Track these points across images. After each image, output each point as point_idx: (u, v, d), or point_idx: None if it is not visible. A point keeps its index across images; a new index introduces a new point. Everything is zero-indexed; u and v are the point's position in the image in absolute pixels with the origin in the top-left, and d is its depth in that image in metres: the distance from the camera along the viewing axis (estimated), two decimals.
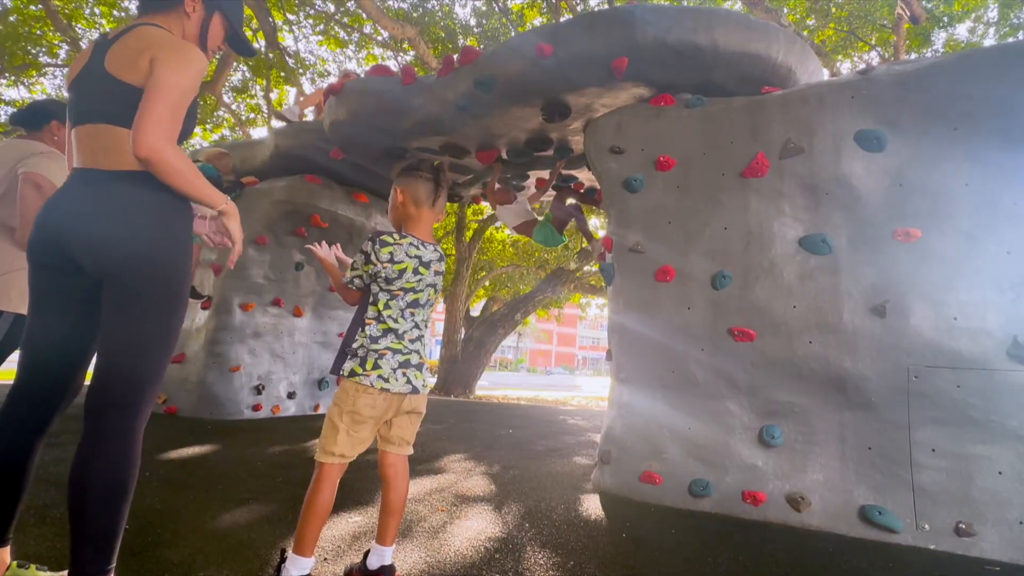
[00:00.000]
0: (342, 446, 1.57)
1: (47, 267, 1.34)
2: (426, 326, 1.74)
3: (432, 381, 1.86)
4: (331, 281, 1.84)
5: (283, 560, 1.54)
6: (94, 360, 1.41)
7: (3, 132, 9.35)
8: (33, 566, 1.44)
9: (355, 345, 1.62)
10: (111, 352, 1.31)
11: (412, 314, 1.65)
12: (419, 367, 1.66)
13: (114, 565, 1.24)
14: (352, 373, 1.57)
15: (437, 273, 1.71)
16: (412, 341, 1.65)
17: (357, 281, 1.68)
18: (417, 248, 1.64)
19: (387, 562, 1.67)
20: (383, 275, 1.60)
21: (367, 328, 1.61)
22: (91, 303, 1.35)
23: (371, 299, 1.63)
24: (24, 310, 2.13)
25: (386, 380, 1.57)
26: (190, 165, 1.29)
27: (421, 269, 1.64)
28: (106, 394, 1.31)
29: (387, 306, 1.61)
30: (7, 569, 1.35)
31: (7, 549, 1.37)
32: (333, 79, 10.46)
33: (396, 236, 1.62)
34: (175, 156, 1.24)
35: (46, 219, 1.32)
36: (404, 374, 1.61)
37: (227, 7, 1.54)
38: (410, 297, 1.64)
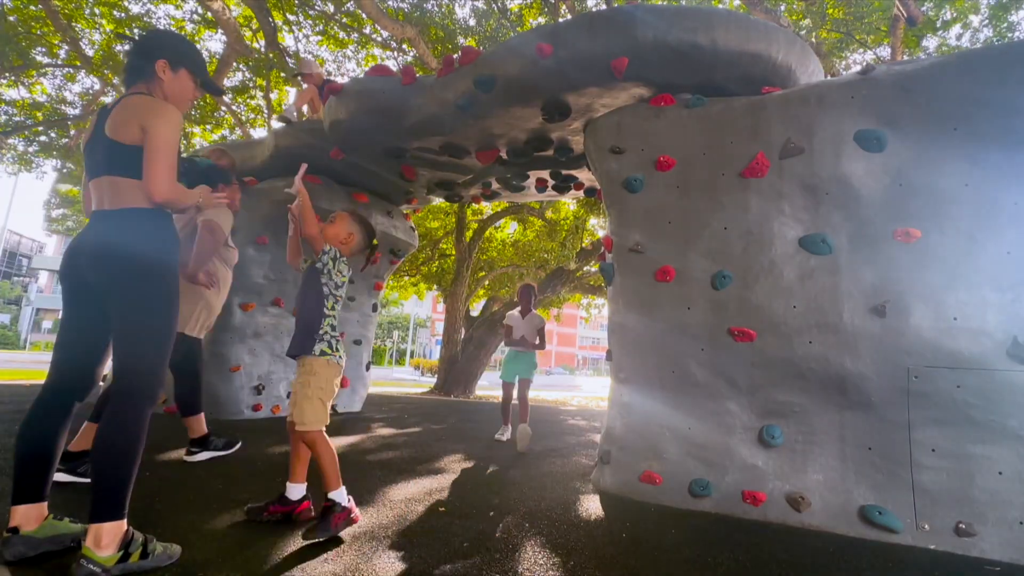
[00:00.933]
0: (326, 414, 2.12)
1: (69, 289, 1.77)
2: None
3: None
4: (305, 226, 2.12)
5: (331, 503, 2.03)
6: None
7: (2, 132, 9.36)
8: (67, 519, 1.76)
9: (321, 332, 2.11)
10: (120, 353, 1.70)
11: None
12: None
13: (124, 517, 1.59)
14: (323, 353, 2.09)
15: None
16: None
17: (337, 277, 2.18)
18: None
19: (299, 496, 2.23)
20: (342, 284, 2.20)
21: (327, 320, 2.13)
22: (102, 317, 1.73)
23: (327, 297, 2.14)
24: (199, 335, 3.30)
25: (342, 358, 2.16)
26: (186, 193, 1.78)
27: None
28: (115, 384, 1.68)
29: (335, 306, 2.18)
30: (44, 519, 1.70)
31: (45, 504, 1.72)
32: (332, 79, 10.46)
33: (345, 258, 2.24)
34: (179, 194, 1.74)
35: (68, 252, 1.77)
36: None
37: (189, 62, 1.88)
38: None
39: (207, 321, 3.32)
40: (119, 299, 1.67)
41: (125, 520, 1.59)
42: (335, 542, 1.97)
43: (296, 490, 2.21)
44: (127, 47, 2.03)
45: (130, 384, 1.66)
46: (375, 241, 2.39)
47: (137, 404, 1.65)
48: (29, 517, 1.65)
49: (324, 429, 2.08)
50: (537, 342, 4.67)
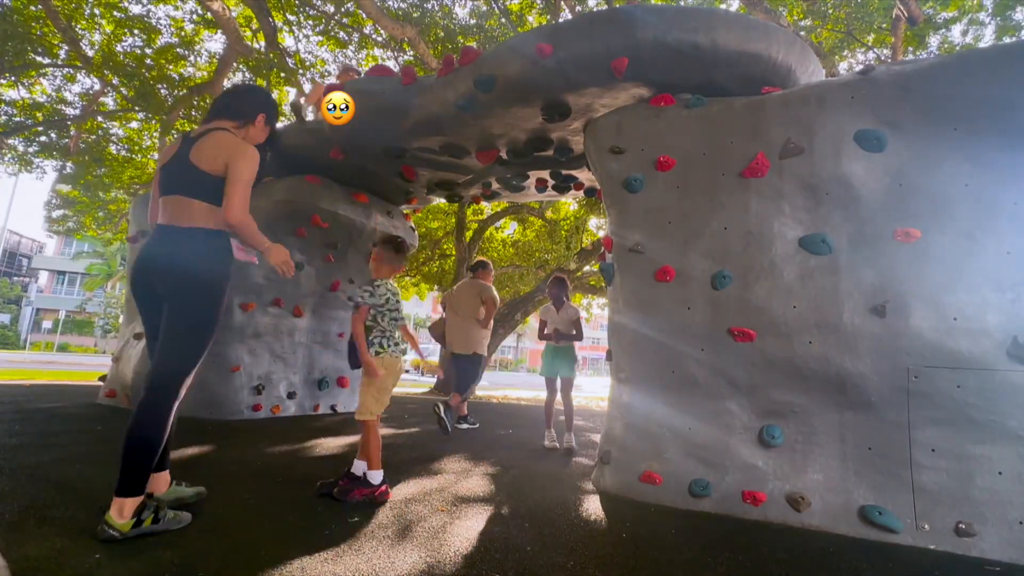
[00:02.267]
0: (379, 407, 2.62)
1: (139, 295, 2.05)
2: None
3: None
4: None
5: (360, 477, 2.54)
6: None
7: (2, 132, 9.35)
8: (184, 484, 2.15)
9: (370, 338, 2.64)
10: (159, 350, 1.94)
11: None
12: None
13: (143, 494, 1.86)
14: (376, 354, 2.62)
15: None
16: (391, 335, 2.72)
17: (371, 298, 2.66)
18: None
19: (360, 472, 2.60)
20: (381, 302, 2.65)
21: (373, 331, 2.67)
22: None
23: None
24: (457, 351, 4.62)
25: (395, 350, 2.70)
26: (254, 226, 2.01)
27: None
28: (149, 378, 1.91)
29: (378, 318, 2.67)
30: (169, 486, 2.11)
31: (168, 472, 2.13)
32: (332, 79, 10.46)
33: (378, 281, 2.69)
34: (250, 223, 1.99)
35: (139, 264, 2.00)
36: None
37: (272, 118, 2.29)
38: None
39: None
40: (172, 305, 1.94)
41: (143, 496, 1.87)
42: (335, 541, 1.97)
43: (365, 471, 2.61)
44: (232, 91, 2.29)
45: (162, 381, 1.91)
46: (399, 242, 2.77)
47: (166, 400, 1.91)
48: (159, 482, 2.10)
49: (377, 419, 2.60)
50: (573, 333, 4.53)
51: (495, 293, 5.24)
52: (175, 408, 1.93)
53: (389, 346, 2.65)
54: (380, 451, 2.58)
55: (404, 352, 2.72)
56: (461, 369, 5.09)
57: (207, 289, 1.98)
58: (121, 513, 1.79)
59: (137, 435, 1.85)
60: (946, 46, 8.35)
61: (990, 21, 8.04)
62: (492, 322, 5.37)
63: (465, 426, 5.24)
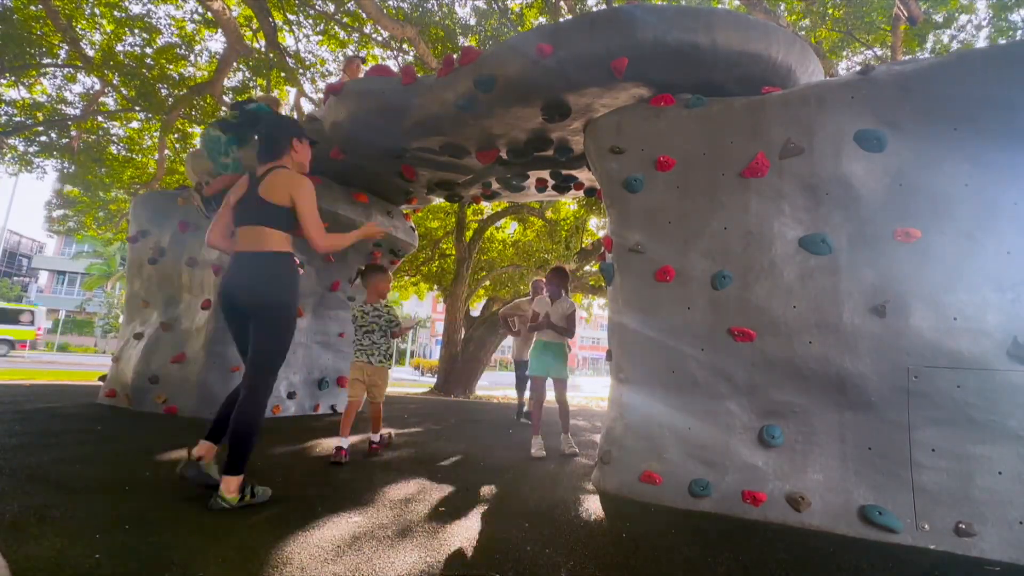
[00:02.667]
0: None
1: (228, 312, 2.48)
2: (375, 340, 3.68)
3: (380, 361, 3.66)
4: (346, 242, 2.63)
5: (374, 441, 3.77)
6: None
7: (2, 132, 9.35)
8: (216, 467, 2.43)
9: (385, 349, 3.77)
10: (252, 354, 2.39)
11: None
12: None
13: (244, 473, 2.29)
14: (380, 363, 3.72)
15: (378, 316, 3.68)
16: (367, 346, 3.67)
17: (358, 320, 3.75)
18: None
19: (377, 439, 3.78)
20: (360, 325, 3.70)
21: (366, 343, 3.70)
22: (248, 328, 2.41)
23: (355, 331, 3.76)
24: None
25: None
26: (337, 238, 2.51)
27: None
28: (245, 382, 2.38)
29: (364, 335, 3.70)
30: (212, 457, 2.45)
31: (217, 447, 2.46)
32: (333, 79, 10.46)
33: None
34: (331, 241, 2.46)
35: (226, 284, 2.44)
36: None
37: (302, 133, 2.59)
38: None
39: None
40: (257, 322, 2.36)
41: (244, 474, 2.29)
42: (335, 541, 1.97)
43: (376, 437, 3.79)
44: (262, 137, 2.55)
45: (256, 381, 2.36)
46: (362, 269, 3.82)
47: (260, 398, 2.35)
48: (209, 450, 2.43)
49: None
50: (564, 327, 4.21)
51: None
52: (267, 401, 2.42)
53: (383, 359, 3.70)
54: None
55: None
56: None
57: (277, 308, 2.39)
58: (229, 489, 2.24)
59: (241, 426, 2.27)
60: (944, 46, 8.35)
61: (987, 24, 8.05)
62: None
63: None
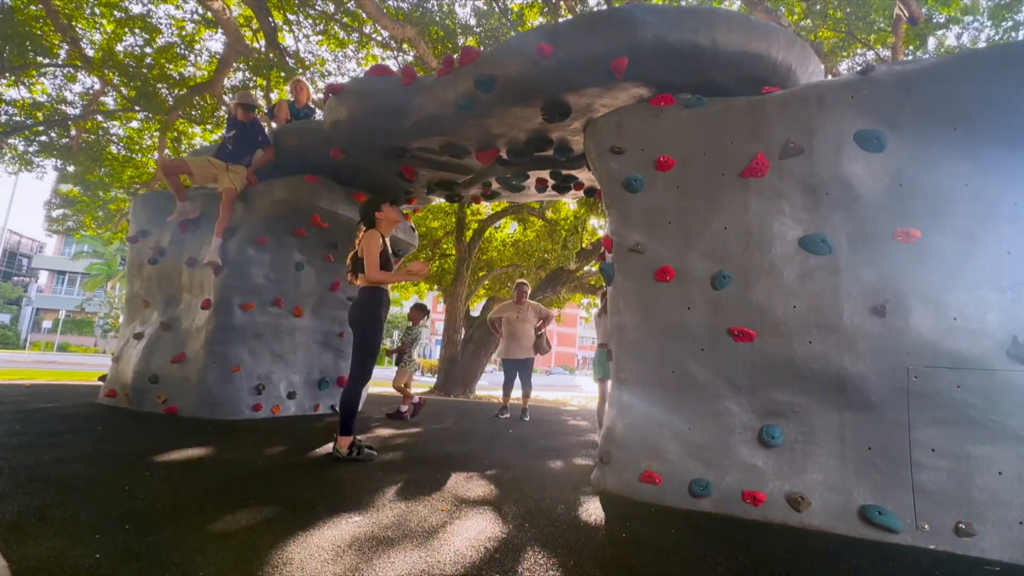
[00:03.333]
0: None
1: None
2: None
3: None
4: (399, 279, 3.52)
5: (399, 410, 5.62)
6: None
7: (2, 132, 9.35)
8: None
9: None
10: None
11: None
12: None
13: (352, 434, 3.35)
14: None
15: None
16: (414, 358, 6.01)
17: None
18: None
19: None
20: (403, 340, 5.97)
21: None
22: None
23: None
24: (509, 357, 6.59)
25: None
26: (389, 276, 3.42)
27: None
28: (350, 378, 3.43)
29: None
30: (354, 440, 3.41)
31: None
32: (333, 79, 10.46)
33: None
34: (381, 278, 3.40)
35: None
36: None
37: (383, 204, 3.56)
38: None
39: None
40: (354, 338, 3.43)
41: (353, 436, 3.35)
42: (336, 541, 1.97)
43: (405, 407, 5.58)
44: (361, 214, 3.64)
45: (352, 379, 3.40)
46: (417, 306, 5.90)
47: (357, 387, 3.37)
48: (344, 442, 3.36)
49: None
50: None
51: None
52: (363, 391, 3.50)
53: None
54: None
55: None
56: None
57: (368, 330, 3.42)
58: (341, 445, 3.31)
59: (346, 404, 3.33)
60: (947, 47, 8.36)
61: (989, 25, 8.05)
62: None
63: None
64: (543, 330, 6.61)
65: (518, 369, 6.56)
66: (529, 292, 6.72)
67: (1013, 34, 7.83)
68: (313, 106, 5.97)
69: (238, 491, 2.53)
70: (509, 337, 6.51)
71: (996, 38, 7.88)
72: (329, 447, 3.66)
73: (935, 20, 7.78)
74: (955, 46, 8.41)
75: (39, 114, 9.77)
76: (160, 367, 4.94)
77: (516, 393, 6.91)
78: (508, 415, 6.60)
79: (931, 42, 8.30)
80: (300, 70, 9.81)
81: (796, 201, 2.80)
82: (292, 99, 5.95)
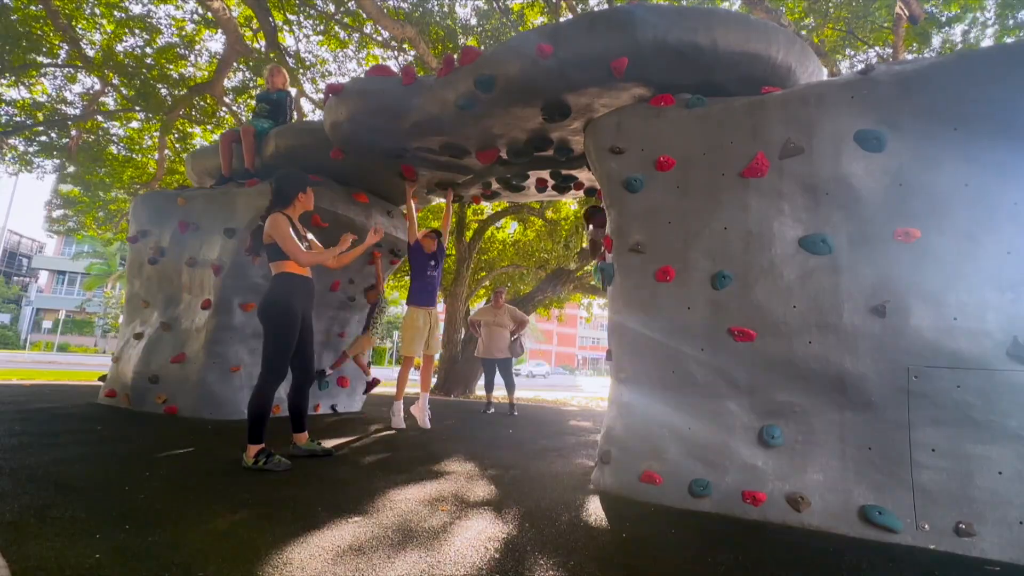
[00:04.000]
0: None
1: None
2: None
3: None
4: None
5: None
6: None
7: (2, 132, 9.35)
8: (316, 442, 3.42)
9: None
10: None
11: None
12: None
13: (261, 445, 2.97)
14: None
15: None
16: None
17: None
18: None
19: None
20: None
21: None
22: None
23: None
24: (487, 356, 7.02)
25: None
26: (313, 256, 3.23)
27: None
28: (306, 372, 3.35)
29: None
30: (305, 440, 3.33)
31: (306, 433, 3.36)
32: (333, 79, 10.46)
33: None
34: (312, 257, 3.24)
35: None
36: None
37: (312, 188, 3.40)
38: None
39: None
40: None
41: (262, 443, 2.99)
42: (336, 541, 1.97)
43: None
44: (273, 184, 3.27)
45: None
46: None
47: (263, 388, 3.03)
48: (300, 439, 3.32)
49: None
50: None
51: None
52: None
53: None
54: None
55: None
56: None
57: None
58: (249, 454, 2.93)
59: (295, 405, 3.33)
60: (951, 45, 8.34)
61: (993, 22, 8.03)
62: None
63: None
64: (518, 334, 7.14)
65: (497, 367, 7.04)
66: (505, 297, 7.35)
67: (1020, 33, 7.81)
68: (287, 91, 5.82)
69: (238, 491, 2.53)
70: (487, 338, 7.01)
71: (1001, 36, 7.84)
72: (333, 446, 3.66)
73: (941, 17, 7.77)
74: (960, 43, 8.39)
75: (39, 114, 9.77)
76: (160, 367, 4.94)
77: (502, 392, 7.35)
78: (493, 410, 7.05)
79: (936, 40, 8.28)
80: (300, 70, 9.82)
81: (796, 201, 2.80)
82: (268, 86, 5.80)
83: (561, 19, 8.13)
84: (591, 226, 5.17)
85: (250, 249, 3.31)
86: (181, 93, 9.37)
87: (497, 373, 7.18)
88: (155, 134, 10.61)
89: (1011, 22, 7.74)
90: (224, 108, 10.24)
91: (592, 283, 11.14)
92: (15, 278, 36.68)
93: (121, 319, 6.79)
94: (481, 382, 10.87)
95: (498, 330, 6.97)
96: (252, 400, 2.97)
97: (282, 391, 5.20)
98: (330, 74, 10.56)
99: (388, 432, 4.70)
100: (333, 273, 5.68)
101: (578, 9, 8.24)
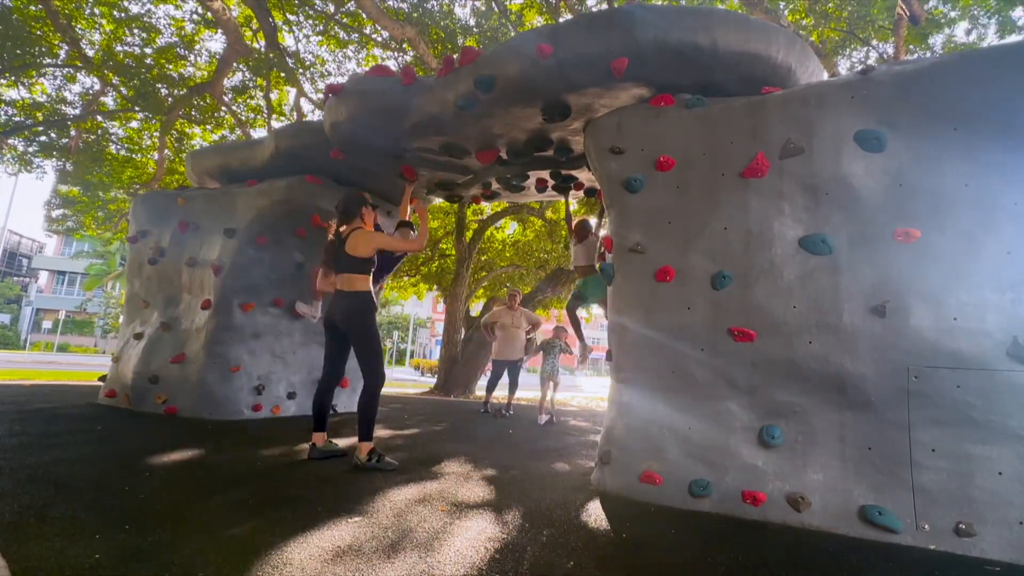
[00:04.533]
0: None
1: (329, 330, 3.37)
2: None
3: None
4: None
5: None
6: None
7: (2, 132, 9.35)
8: (333, 441, 3.45)
9: None
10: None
11: None
12: None
13: (371, 440, 3.19)
14: None
15: None
16: None
17: None
18: None
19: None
20: None
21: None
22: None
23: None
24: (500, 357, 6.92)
25: None
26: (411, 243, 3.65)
27: None
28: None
29: None
30: (325, 440, 3.36)
31: (325, 432, 3.39)
32: (333, 79, 10.46)
33: None
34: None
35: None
36: None
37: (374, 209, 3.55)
38: None
39: None
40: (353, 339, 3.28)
41: (372, 442, 3.19)
42: (336, 541, 1.97)
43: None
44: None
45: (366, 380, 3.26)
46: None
47: (377, 392, 3.23)
48: (319, 438, 3.33)
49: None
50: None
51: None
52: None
53: None
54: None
55: None
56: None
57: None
58: (361, 452, 3.13)
59: (361, 404, 3.23)
60: (952, 45, 8.33)
61: (991, 21, 8.01)
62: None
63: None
64: (532, 335, 7.27)
65: (508, 368, 7.10)
66: (519, 298, 7.43)
67: (1014, 31, 7.80)
68: None
69: (238, 491, 2.53)
70: (504, 340, 7.04)
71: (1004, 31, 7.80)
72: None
73: (943, 15, 7.76)
74: (963, 43, 8.37)
75: (39, 114, 9.77)
76: (160, 367, 4.94)
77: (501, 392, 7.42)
78: (491, 410, 7.16)
79: (939, 39, 8.26)
80: (300, 70, 9.82)
81: (796, 201, 2.80)
82: None
83: (560, 19, 8.13)
84: (576, 241, 5.11)
85: (326, 264, 3.66)
86: (181, 93, 9.37)
87: (505, 375, 7.24)
88: (155, 134, 10.61)
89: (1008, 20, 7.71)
90: (224, 108, 10.24)
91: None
92: (15, 278, 36.69)
93: (121, 319, 6.79)
94: (481, 382, 10.86)
95: (515, 331, 7.03)
96: (369, 403, 3.17)
97: (282, 391, 5.28)
98: (330, 74, 10.56)
99: (388, 433, 4.70)
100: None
101: (577, 9, 8.24)
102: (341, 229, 3.36)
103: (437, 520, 2.31)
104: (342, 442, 3.56)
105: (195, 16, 9.45)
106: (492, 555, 1.95)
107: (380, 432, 4.71)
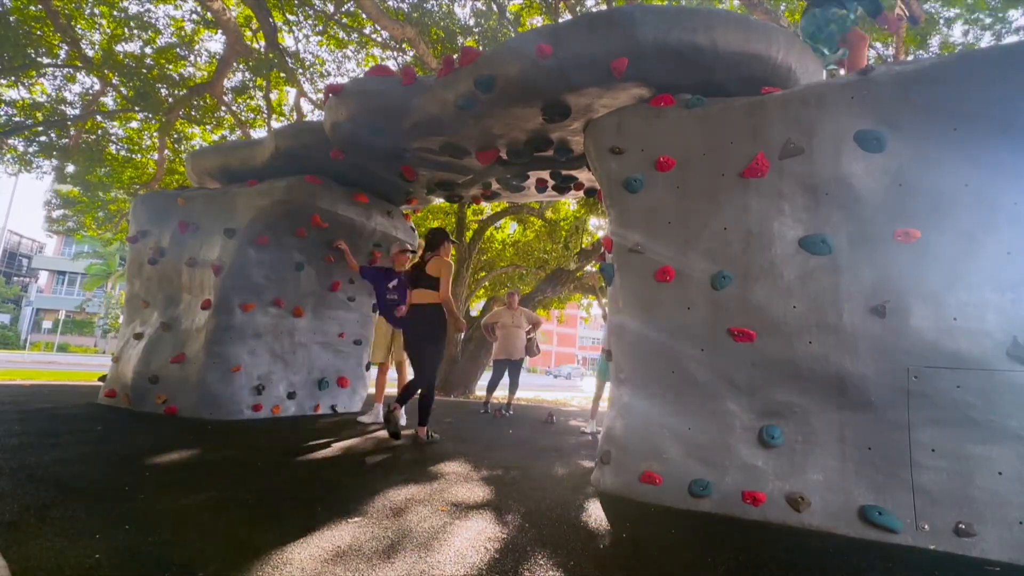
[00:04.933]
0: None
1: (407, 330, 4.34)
2: None
3: None
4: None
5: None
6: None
7: (2, 132, 9.35)
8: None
9: None
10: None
11: None
12: None
13: (427, 424, 4.20)
14: None
15: None
16: None
17: None
18: None
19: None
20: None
21: None
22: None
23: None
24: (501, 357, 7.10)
25: None
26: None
27: None
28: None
29: None
30: (425, 433, 4.20)
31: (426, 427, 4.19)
32: (333, 79, 10.46)
33: None
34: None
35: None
36: None
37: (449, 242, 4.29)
38: None
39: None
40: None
41: (427, 426, 4.14)
42: (335, 541, 1.97)
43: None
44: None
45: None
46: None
47: (433, 385, 4.10)
48: (422, 431, 4.14)
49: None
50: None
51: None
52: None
53: None
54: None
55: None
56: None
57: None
58: (422, 434, 4.09)
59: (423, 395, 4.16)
60: (950, 45, 8.33)
61: (990, 21, 8.01)
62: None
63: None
64: (533, 334, 7.23)
65: (508, 368, 7.10)
66: (518, 297, 7.50)
67: (1010, 30, 7.79)
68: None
69: (238, 491, 2.53)
70: (504, 339, 7.06)
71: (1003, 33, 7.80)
72: (333, 448, 3.68)
73: (943, 16, 7.75)
74: (961, 43, 8.36)
75: (39, 114, 9.76)
76: (160, 367, 4.94)
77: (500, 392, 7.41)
78: (490, 410, 7.15)
79: (934, 44, 8.26)
80: (300, 70, 9.82)
81: (796, 201, 2.80)
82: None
83: (560, 19, 8.13)
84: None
85: (411, 279, 4.14)
86: (181, 93, 9.37)
87: (505, 374, 7.24)
88: (155, 134, 10.61)
89: (1005, 24, 7.71)
90: (224, 108, 10.24)
91: (592, 283, 11.14)
92: (15, 278, 36.68)
93: (121, 319, 6.79)
94: (481, 382, 10.87)
95: (515, 331, 7.05)
96: (428, 394, 4.17)
97: (282, 391, 5.28)
98: (330, 74, 10.55)
99: (387, 433, 4.70)
100: (333, 273, 5.68)
101: (577, 10, 8.24)
102: (426, 255, 4.07)
103: (437, 520, 2.31)
104: (337, 443, 3.63)
105: (195, 16, 9.45)
106: (492, 555, 1.95)
107: (381, 432, 4.71)
